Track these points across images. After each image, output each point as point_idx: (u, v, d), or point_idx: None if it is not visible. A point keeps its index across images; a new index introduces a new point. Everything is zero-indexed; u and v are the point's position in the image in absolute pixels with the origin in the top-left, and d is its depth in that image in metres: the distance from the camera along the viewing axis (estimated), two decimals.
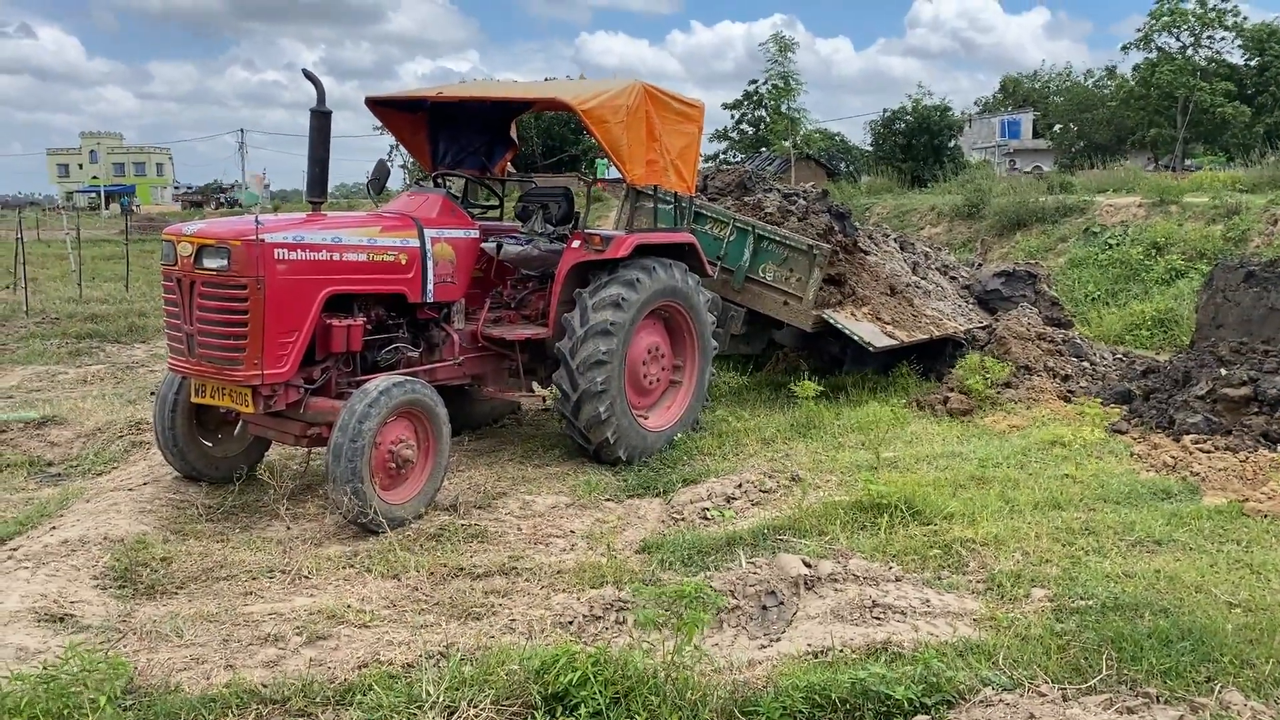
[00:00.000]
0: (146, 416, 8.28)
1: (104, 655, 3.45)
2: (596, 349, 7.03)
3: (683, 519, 6.31)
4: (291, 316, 5.88)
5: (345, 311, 6.30)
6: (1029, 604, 4.84)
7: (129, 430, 8.13)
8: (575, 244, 7.32)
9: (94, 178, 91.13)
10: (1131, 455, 7.66)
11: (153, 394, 9.68)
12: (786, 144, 47.86)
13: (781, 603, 4.89)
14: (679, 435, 7.87)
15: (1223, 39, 56.08)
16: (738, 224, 9.46)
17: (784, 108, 61.10)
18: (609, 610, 4.75)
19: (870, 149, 53.87)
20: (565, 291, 7.32)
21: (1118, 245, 15.78)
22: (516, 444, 8.01)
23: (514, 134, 8.56)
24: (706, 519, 6.30)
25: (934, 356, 10.32)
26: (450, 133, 8.13)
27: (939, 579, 5.19)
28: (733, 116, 63.31)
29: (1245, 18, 54.92)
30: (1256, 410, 7.76)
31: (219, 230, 5.77)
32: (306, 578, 5.28)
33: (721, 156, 63.36)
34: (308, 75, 6.35)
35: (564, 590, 5.10)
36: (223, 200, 73.26)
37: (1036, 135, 68.88)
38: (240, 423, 6.72)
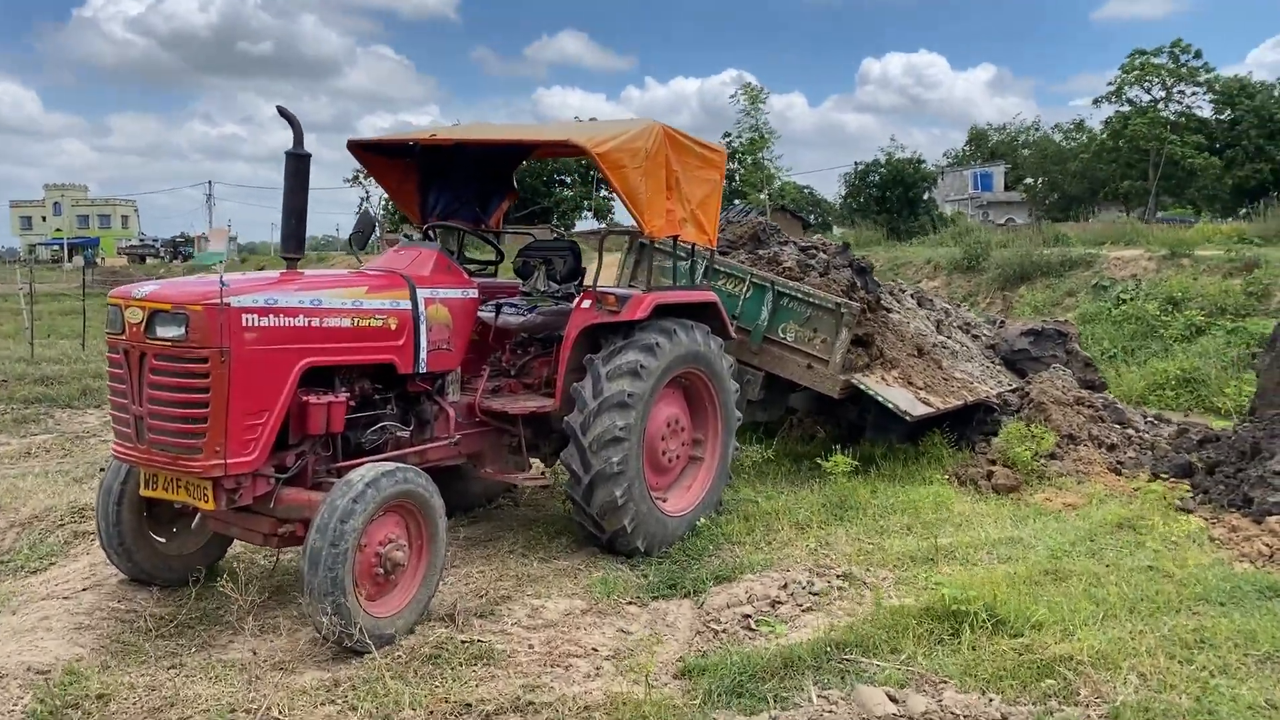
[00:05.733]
0: (93, 500, 7.25)
1: None
2: (612, 424, 6.13)
3: (722, 629, 5.36)
4: (262, 394, 4.93)
5: (325, 386, 5.36)
6: None
7: (71, 517, 7.09)
8: (585, 304, 6.44)
9: (57, 230, 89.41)
10: (1211, 540, 6.83)
11: (102, 470, 8.67)
12: (762, 196, 47.50)
13: None
14: (701, 520, 6.94)
15: (1193, 93, 56.82)
16: (755, 280, 8.62)
17: (760, 159, 61.11)
18: None
19: (840, 201, 53.72)
20: (574, 358, 6.43)
21: (1131, 300, 15.12)
22: (516, 530, 7.04)
23: (514, 181, 7.72)
24: (751, 629, 5.36)
25: (964, 423, 9.48)
26: (443, 181, 7.25)
27: (1049, 714, 4.29)
28: None
29: (1217, 74, 55.57)
30: None
31: (175, 293, 4.83)
32: (277, 719, 4.29)
33: None
34: (283, 113, 5.47)
35: None
36: (179, 253, 71.47)
37: (1008, 188, 69.19)
38: (198, 514, 5.73)
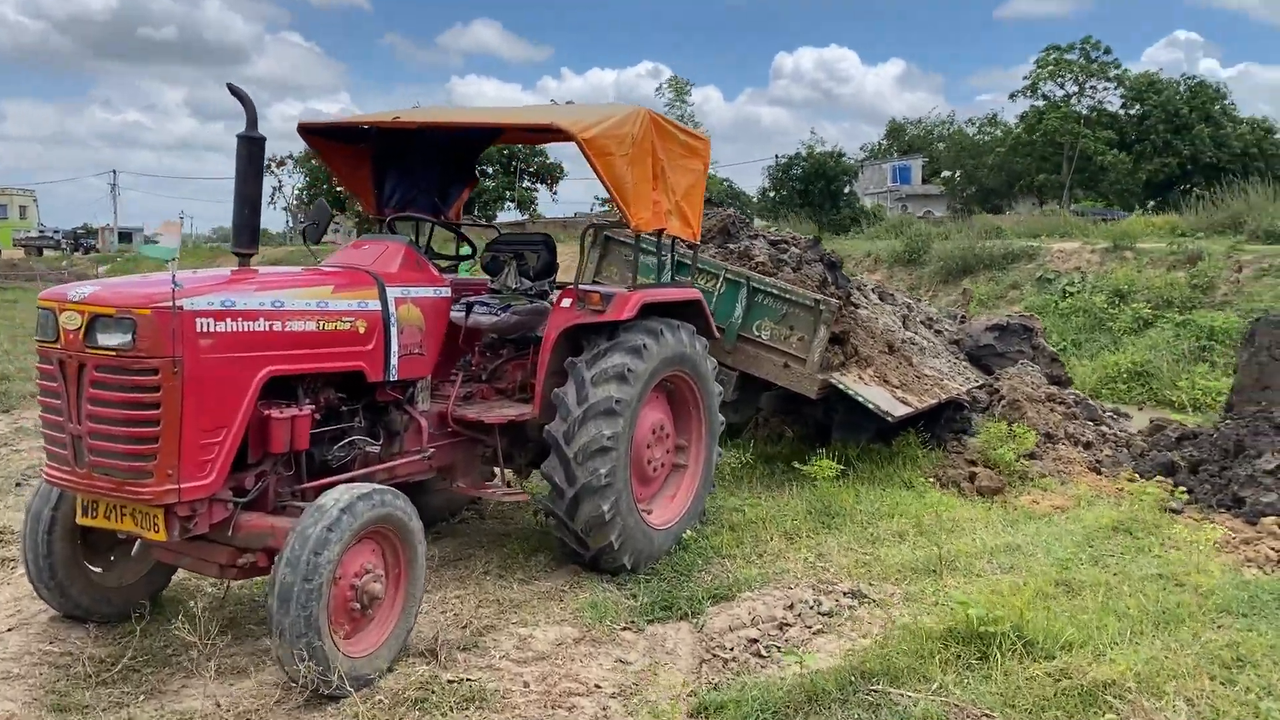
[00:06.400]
0: (10, 521, 6.56)
1: None
2: (599, 433, 5.65)
3: (730, 657, 4.94)
4: (219, 409, 4.35)
5: (288, 398, 4.80)
6: None
7: None
8: (566, 303, 5.95)
9: None
10: (1213, 545, 6.62)
11: (18, 485, 7.90)
12: None
13: None
14: (688, 532, 6.52)
15: (1104, 89, 58.23)
16: (729, 275, 8.21)
17: None
18: None
19: (760, 194, 53.92)
20: (554, 361, 5.93)
21: (1078, 293, 15.11)
22: (487, 548, 6.51)
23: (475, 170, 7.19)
24: (762, 655, 4.95)
25: (934, 422, 9.21)
26: (400, 168, 6.68)
27: None
28: None
29: (1126, 70, 57.03)
30: None
31: (119, 295, 4.22)
32: None
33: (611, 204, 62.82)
34: (234, 91, 4.88)
35: None
36: (81, 245, 68.83)
37: (925, 181, 70.17)
38: (139, 541, 5.11)
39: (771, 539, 6.61)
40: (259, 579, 4.97)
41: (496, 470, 6.56)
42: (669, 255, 7.19)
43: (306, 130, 6.28)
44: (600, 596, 5.67)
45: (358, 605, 4.46)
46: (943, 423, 9.28)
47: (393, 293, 5.26)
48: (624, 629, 5.30)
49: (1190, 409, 11.55)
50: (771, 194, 53.57)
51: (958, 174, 68.18)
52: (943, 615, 5.15)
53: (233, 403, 4.41)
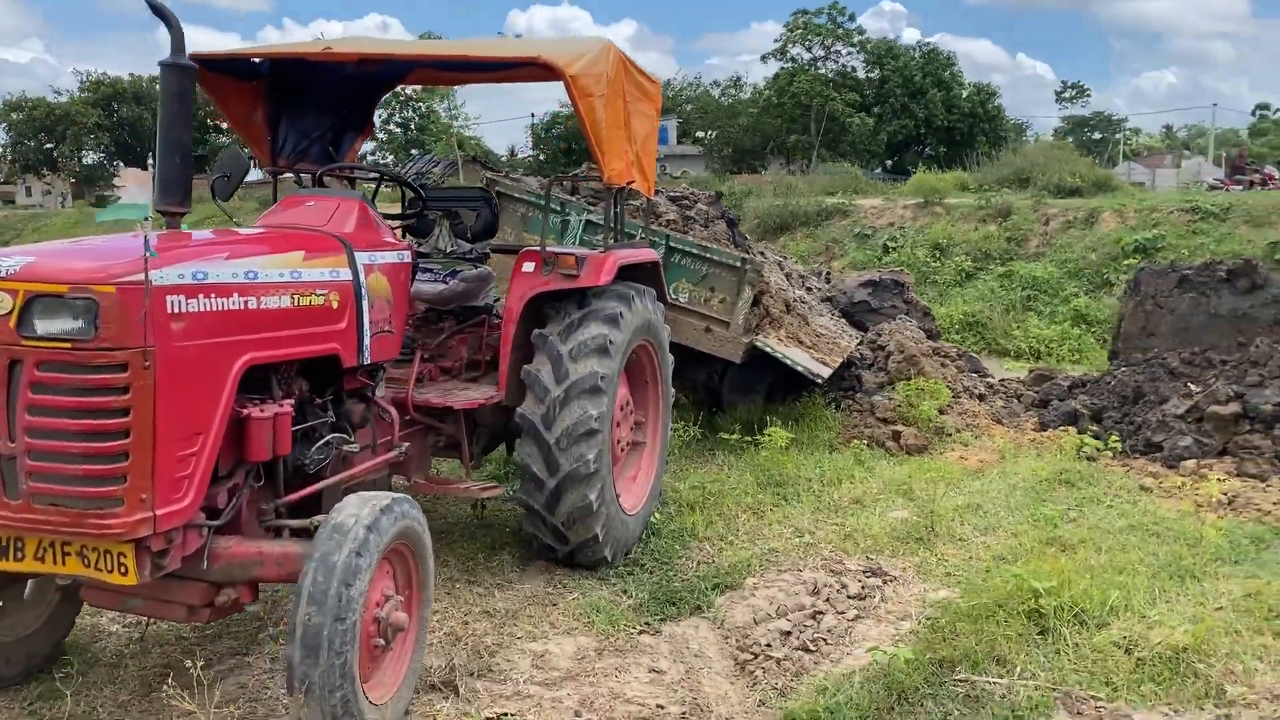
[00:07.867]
0: None
1: None
2: (585, 414, 4.99)
3: (775, 655, 4.46)
4: (197, 411, 3.39)
5: (261, 392, 3.86)
6: None
7: None
8: (528, 267, 5.21)
9: None
10: (1144, 490, 6.79)
11: None
12: (441, 145, 45.99)
13: None
14: (656, 515, 5.97)
15: (848, 53, 61.17)
16: (644, 234, 7.61)
17: (441, 109, 59.47)
18: None
19: (508, 154, 53.58)
20: (519, 334, 5.20)
21: (899, 248, 15.51)
22: (437, 551, 5.65)
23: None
24: (810, 650, 4.50)
25: (828, 380, 9.05)
26: (294, 111, 5.67)
27: None
28: (378, 116, 60.69)
29: (868, 36, 60.15)
30: (1249, 429, 7.12)
31: (71, 269, 3.16)
32: None
33: (371, 158, 60.30)
34: (156, 9, 3.85)
35: None
36: None
37: (679, 141, 71.38)
38: (31, 579, 4.02)
39: (739, 515, 6.17)
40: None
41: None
42: (571, 211, 6.58)
43: (200, 63, 5.14)
44: (593, 596, 5.04)
45: (381, 641, 3.65)
46: (834, 381, 9.14)
47: (360, 259, 4.37)
48: (640, 633, 4.71)
49: (1030, 357, 12.04)
50: (535, 154, 53.19)
51: (713, 135, 69.74)
52: (974, 587, 4.88)
53: (210, 401, 3.46)
